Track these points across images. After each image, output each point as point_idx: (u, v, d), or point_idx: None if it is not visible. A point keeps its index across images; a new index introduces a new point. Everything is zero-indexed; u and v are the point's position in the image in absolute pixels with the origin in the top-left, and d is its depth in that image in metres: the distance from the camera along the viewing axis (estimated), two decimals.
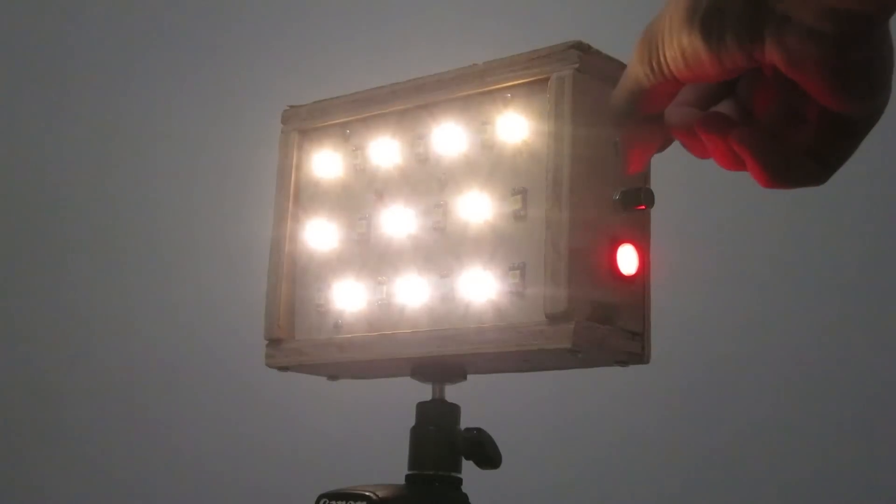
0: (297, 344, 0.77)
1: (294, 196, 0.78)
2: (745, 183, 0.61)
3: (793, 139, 0.59)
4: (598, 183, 0.65)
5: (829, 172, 0.58)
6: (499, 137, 0.69)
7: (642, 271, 0.66)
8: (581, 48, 0.65)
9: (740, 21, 0.52)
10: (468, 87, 0.70)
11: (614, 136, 0.63)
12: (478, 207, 0.69)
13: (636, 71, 0.59)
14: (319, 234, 0.77)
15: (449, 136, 0.71)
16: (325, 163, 0.77)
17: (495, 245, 0.68)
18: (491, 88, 0.69)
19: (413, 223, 0.72)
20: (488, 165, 0.69)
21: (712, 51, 0.53)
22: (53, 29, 1.79)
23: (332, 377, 0.80)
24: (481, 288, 0.68)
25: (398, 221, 0.73)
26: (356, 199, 0.75)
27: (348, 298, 0.74)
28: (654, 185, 0.66)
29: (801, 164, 0.58)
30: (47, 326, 1.70)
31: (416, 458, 0.73)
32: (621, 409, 1.32)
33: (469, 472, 0.73)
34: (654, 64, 0.57)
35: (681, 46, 0.55)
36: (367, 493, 0.68)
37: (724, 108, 0.63)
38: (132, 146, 1.70)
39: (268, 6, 1.65)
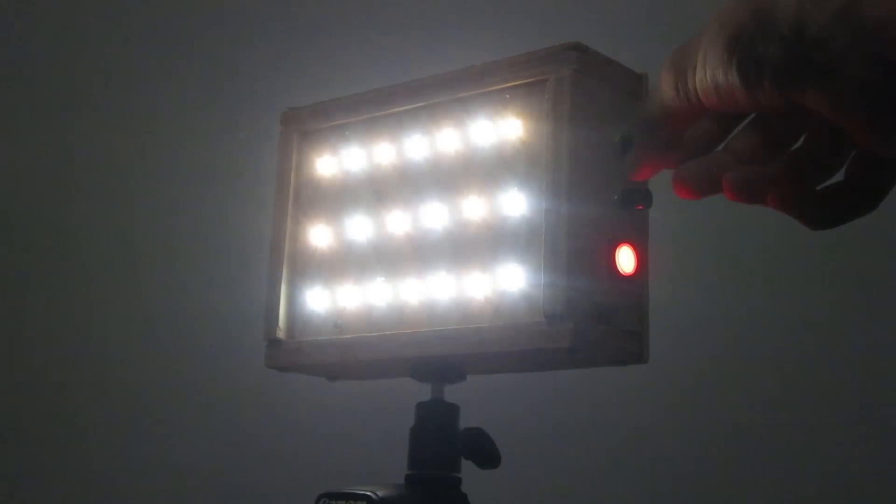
0: (296, 344, 0.77)
1: (294, 197, 0.78)
2: None
3: (830, 173, 0.58)
4: (597, 183, 0.65)
5: (875, 203, 0.58)
6: (497, 138, 0.69)
7: (641, 271, 0.67)
8: (579, 49, 0.66)
9: (780, 71, 0.51)
10: (467, 88, 0.70)
11: (614, 137, 0.64)
12: (477, 208, 0.69)
13: (663, 92, 0.59)
14: (319, 235, 0.77)
15: (448, 137, 0.71)
16: (324, 164, 0.78)
17: (494, 245, 0.68)
18: (490, 89, 0.69)
19: (412, 224, 0.72)
20: (487, 166, 0.69)
21: (749, 91, 0.53)
22: (55, 29, 1.79)
23: (332, 377, 0.80)
24: (480, 288, 0.68)
25: (397, 222, 0.73)
26: (356, 199, 0.76)
27: (348, 299, 0.75)
28: (653, 185, 0.67)
29: (847, 204, 0.58)
30: (46, 326, 1.70)
31: (415, 458, 0.73)
32: (621, 409, 1.32)
33: (469, 472, 0.73)
34: (682, 90, 0.57)
35: (714, 80, 0.55)
36: (367, 493, 0.68)
37: (746, 136, 0.62)
38: (132, 147, 1.70)
39: (268, 8, 1.65)
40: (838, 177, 0.60)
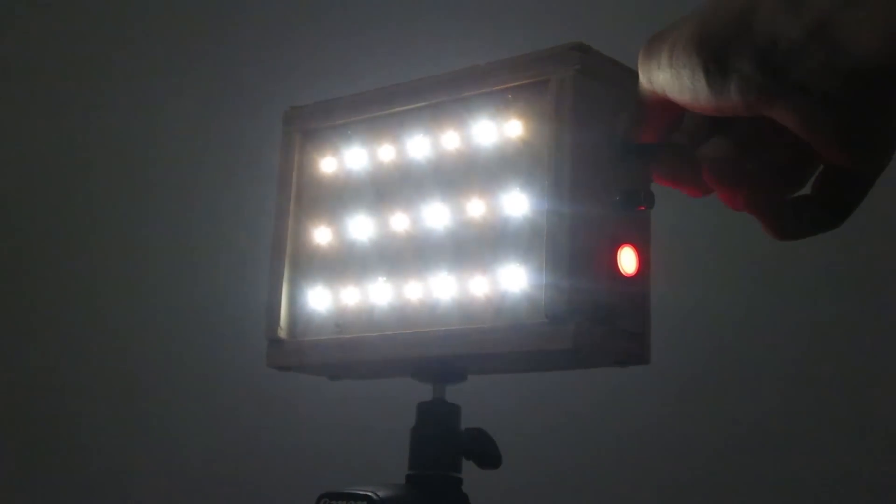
0: (297, 344, 0.77)
1: (295, 196, 0.78)
2: None
3: (797, 184, 0.58)
4: (599, 184, 0.65)
5: (840, 219, 0.58)
6: (499, 138, 0.69)
7: (643, 272, 0.67)
8: (582, 49, 0.65)
9: (748, 82, 0.51)
10: (469, 88, 0.70)
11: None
12: (478, 208, 0.69)
13: (640, 81, 0.59)
14: (320, 234, 0.77)
15: (450, 137, 0.71)
16: (326, 163, 0.78)
17: (496, 246, 0.68)
18: (492, 89, 0.69)
19: (414, 224, 0.72)
20: (489, 166, 0.69)
21: (714, 96, 0.53)
22: (55, 28, 1.79)
23: (333, 377, 0.80)
24: (482, 288, 0.68)
25: (399, 222, 0.73)
26: (357, 199, 0.76)
27: (349, 298, 0.75)
28: (655, 186, 0.67)
29: (812, 217, 0.58)
30: (47, 324, 1.70)
31: (416, 459, 0.73)
32: (621, 409, 1.32)
33: (469, 472, 0.73)
34: (648, 83, 0.58)
35: (679, 79, 0.55)
36: (367, 493, 0.68)
37: (718, 143, 0.62)
38: (132, 146, 1.70)
39: (270, 7, 1.65)
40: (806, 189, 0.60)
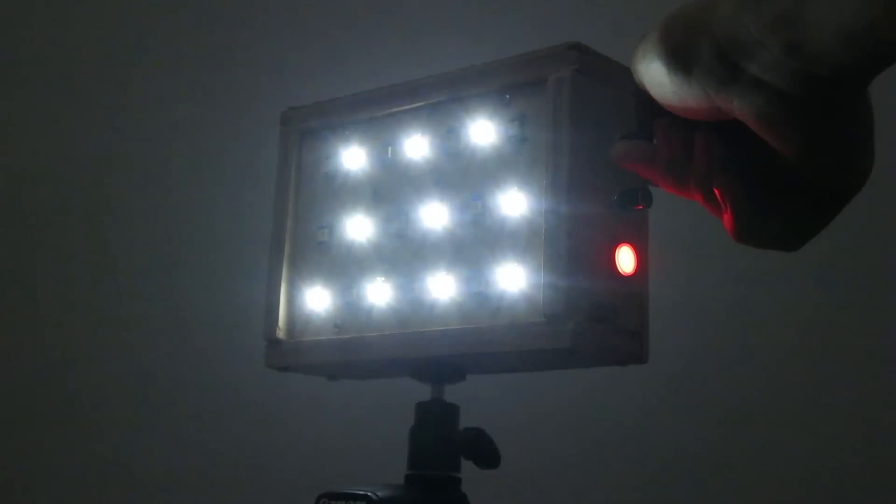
0: (296, 344, 0.77)
1: (294, 196, 0.78)
2: None
3: (770, 198, 0.57)
4: (597, 183, 0.65)
5: (800, 241, 0.57)
6: (497, 138, 0.69)
7: (641, 271, 0.67)
8: (579, 49, 0.66)
9: (707, 73, 0.51)
10: (467, 87, 0.70)
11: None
12: (476, 208, 0.69)
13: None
14: (319, 235, 0.77)
15: (447, 137, 0.71)
16: (324, 163, 0.78)
17: (494, 245, 0.68)
18: (490, 89, 0.69)
19: (412, 224, 0.72)
20: (487, 166, 0.69)
21: (677, 87, 0.53)
22: (56, 27, 1.79)
23: (332, 377, 0.80)
24: (480, 288, 0.68)
25: (397, 222, 0.73)
26: (355, 199, 0.76)
27: (347, 299, 0.75)
28: (653, 186, 0.66)
29: (776, 228, 0.57)
30: (47, 325, 1.70)
31: (415, 459, 0.73)
32: (621, 409, 1.32)
33: (469, 472, 0.73)
34: (636, 76, 0.58)
35: (649, 71, 0.55)
36: (366, 493, 0.68)
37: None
38: (132, 146, 1.70)
39: (269, 7, 1.65)
40: None
